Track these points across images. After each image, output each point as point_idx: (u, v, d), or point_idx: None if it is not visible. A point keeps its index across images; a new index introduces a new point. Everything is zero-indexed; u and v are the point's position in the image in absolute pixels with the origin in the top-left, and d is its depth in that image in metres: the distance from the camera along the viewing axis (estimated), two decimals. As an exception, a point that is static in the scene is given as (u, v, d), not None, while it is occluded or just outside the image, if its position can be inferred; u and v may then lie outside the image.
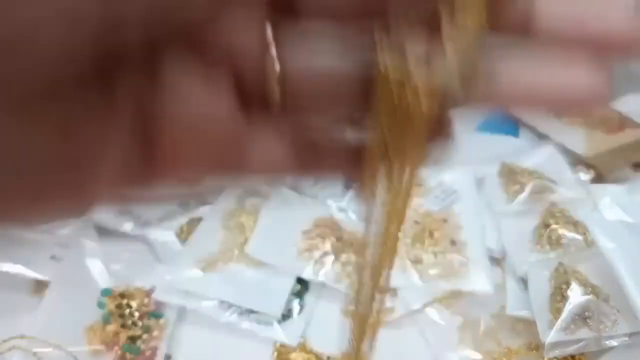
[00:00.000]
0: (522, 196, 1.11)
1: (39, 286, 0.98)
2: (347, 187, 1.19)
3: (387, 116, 0.30)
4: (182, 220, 1.12)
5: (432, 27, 0.29)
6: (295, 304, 0.98)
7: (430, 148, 0.34)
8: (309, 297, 1.00)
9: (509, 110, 0.35)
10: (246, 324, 0.94)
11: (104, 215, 1.12)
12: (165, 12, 0.26)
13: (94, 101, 0.27)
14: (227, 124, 0.30)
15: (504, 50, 0.30)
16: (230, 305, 0.96)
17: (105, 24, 0.25)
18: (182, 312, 0.97)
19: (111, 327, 0.91)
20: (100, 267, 0.99)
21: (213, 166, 0.34)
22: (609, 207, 1.08)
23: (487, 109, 0.38)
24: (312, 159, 0.33)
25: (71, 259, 0.99)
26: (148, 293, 0.96)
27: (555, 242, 1.02)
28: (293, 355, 0.91)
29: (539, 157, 1.20)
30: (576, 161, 1.21)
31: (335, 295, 1.01)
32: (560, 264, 0.97)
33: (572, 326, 0.89)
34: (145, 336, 0.91)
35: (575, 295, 0.91)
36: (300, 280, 1.01)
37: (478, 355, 0.92)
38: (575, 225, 1.04)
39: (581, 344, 0.88)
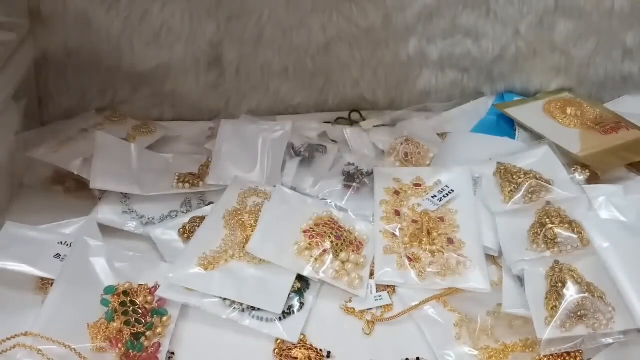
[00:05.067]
0: (518, 196, 1.12)
1: (44, 284, 1.00)
2: (347, 187, 1.21)
3: None
4: (185, 219, 1.13)
5: None
6: (296, 302, 0.99)
7: None
8: (308, 295, 1.01)
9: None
10: (247, 321, 0.96)
11: (107, 214, 1.14)
12: None
13: None
14: None
15: None
16: (232, 303, 0.97)
17: None
18: (184, 310, 0.98)
19: (115, 325, 0.91)
20: (104, 266, 1.00)
21: None
22: (604, 206, 1.09)
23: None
24: None
25: (75, 257, 1.00)
26: (151, 291, 0.97)
27: (551, 241, 1.03)
28: (294, 351, 0.92)
29: (534, 158, 1.20)
30: (571, 161, 1.22)
31: (334, 292, 1.03)
32: (556, 262, 0.98)
33: (568, 323, 0.90)
34: (148, 333, 0.92)
35: (571, 293, 0.92)
36: (301, 278, 1.02)
37: (474, 352, 0.93)
38: (571, 224, 1.05)
39: (577, 341, 0.89)
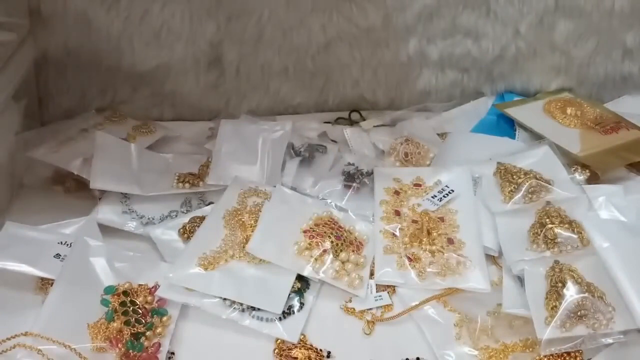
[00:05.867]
0: (518, 196, 1.12)
1: (44, 284, 0.99)
2: (347, 187, 1.21)
3: None
4: (185, 219, 1.13)
5: None
6: (296, 302, 0.99)
7: None
8: (308, 295, 1.01)
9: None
10: (247, 321, 0.96)
11: (107, 214, 1.14)
12: None
13: None
14: None
15: None
16: (232, 303, 0.97)
17: None
18: (184, 310, 0.98)
19: (115, 325, 0.91)
20: (104, 266, 1.00)
21: None
22: (604, 206, 1.09)
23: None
24: None
25: (75, 257, 1.00)
26: (151, 291, 0.97)
27: (551, 241, 1.03)
28: (294, 351, 0.92)
29: (534, 158, 1.20)
30: (571, 161, 1.22)
31: (334, 292, 1.03)
32: (556, 262, 0.98)
33: (568, 323, 0.90)
34: (148, 333, 0.92)
35: (571, 293, 0.92)
36: (301, 278, 1.02)
37: (474, 352, 0.93)
38: (571, 224, 1.05)
39: (577, 341, 0.89)
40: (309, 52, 1.41)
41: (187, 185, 1.20)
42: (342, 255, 1.04)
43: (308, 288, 1.02)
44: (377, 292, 1.03)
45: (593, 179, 1.20)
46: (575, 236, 1.03)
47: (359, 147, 1.35)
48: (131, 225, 1.13)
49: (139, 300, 0.95)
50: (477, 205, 1.15)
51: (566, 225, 1.04)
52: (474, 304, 1.00)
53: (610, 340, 0.90)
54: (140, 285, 0.98)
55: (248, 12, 1.35)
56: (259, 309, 0.96)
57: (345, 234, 1.08)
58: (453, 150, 1.31)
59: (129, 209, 1.15)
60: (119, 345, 0.90)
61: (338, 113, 1.47)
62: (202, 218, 1.11)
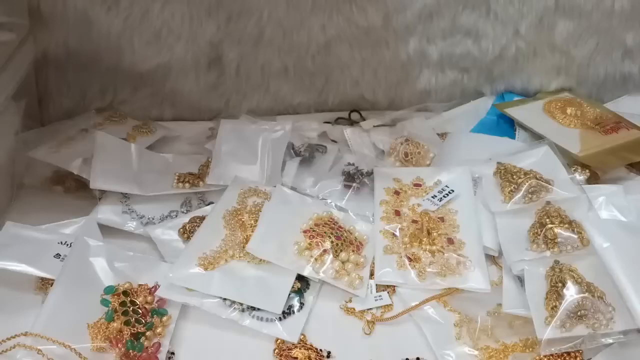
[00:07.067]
0: (518, 196, 1.12)
1: (44, 284, 0.99)
2: (347, 187, 1.21)
3: None
4: (185, 219, 1.13)
5: None
6: (296, 301, 0.99)
7: None
8: (308, 295, 1.01)
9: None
10: (248, 321, 0.96)
11: (107, 214, 1.14)
12: None
13: None
14: None
15: None
16: (232, 303, 0.97)
17: None
18: (184, 310, 0.98)
19: (115, 325, 0.91)
20: (104, 266, 1.00)
21: None
22: (604, 206, 1.09)
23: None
24: None
25: (75, 257, 0.99)
26: (151, 291, 0.97)
27: (551, 241, 1.03)
28: (294, 351, 0.92)
29: (534, 158, 1.20)
30: (571, 161, 1.22)
31: (334, 292, 1.03)
32: (556, 262, 0.98)
33: (568, 323, 0.90)
34: (148, 333, 0.92)
35: (571, 293, 0.92)
36: (301, 278, 1.02)
37: (474, 352, 0.93)
38: (571, 224, 1.05)
39: (577, 341, 0.89)
40: (309, 52, 1.41)
41: (187, 185, 1.20)
42: (342, 255, 1.04)
43: (308, 288, 1.02)
44: (377, 292, 1.03)
45: (593, 179, 1.20)
46: (575, 236, 1.03)
47: (359, 147, 1.35)
48: (131, 225, 1.13)
49: (139, 300, 0.95)
50: (477, 205, 1.15)
51: (566, 225, 1.04)
52: (474, 304, 1.00)
53: (610, 340, 0.90)
54: (140, 285, 0.98)
55: (248, 12, 1.35)
56: (259, 309, 0.96)
57: (345, 234, 1.08)
58: (453, 150, 1.31)
59: (129, 209, 1.15)
60: (119, 345, 0.90)
61: (338, 113, 1.47)
62: (202, 218, 1.11)
